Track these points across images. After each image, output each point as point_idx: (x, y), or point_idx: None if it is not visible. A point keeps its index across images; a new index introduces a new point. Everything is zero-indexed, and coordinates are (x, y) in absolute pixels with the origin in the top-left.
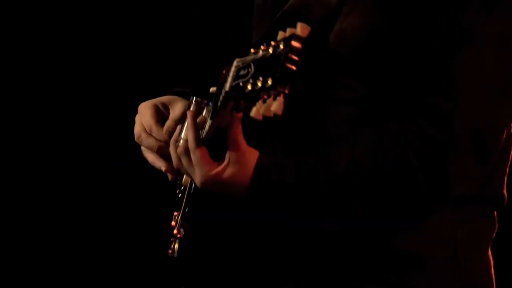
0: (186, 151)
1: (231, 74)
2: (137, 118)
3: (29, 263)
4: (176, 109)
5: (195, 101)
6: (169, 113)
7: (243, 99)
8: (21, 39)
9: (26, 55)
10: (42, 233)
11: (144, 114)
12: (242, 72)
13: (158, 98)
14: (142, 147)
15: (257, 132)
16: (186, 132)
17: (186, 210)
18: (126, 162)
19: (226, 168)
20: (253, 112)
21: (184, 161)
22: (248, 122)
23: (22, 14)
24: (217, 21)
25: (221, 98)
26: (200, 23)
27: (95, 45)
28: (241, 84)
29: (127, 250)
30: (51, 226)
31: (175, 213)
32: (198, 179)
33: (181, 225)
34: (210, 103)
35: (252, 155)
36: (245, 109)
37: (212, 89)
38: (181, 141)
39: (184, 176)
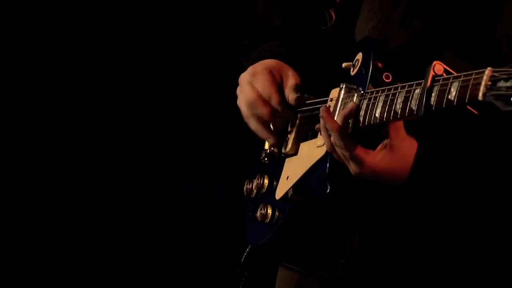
0: (338, 144)
1: (482, 83)
2: (248, 80)
3: (29, 263)
4: (289, 77)
5: (345, 87)
6: (281, 80)
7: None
8: (21, 39)
9: (26, 56)
10: (42, 233)
11: (261, 79)
12: (501, 84)
13: (263, 62)
14: (246, 112)
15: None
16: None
17: (305, 183)
18: (126, 162)
19: (386, 156)
20: None
21: (339, 151)
22: None
23: (22, 14)
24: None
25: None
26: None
27: (95, 46)
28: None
29: (127, 250)
30: (51, 225)
31: (259, 176)
32: (353, 170)
33: (291, 193)
34: (360, 88)
35: (412, 144)
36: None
37: (346, 64)
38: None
39: (289, 145)
